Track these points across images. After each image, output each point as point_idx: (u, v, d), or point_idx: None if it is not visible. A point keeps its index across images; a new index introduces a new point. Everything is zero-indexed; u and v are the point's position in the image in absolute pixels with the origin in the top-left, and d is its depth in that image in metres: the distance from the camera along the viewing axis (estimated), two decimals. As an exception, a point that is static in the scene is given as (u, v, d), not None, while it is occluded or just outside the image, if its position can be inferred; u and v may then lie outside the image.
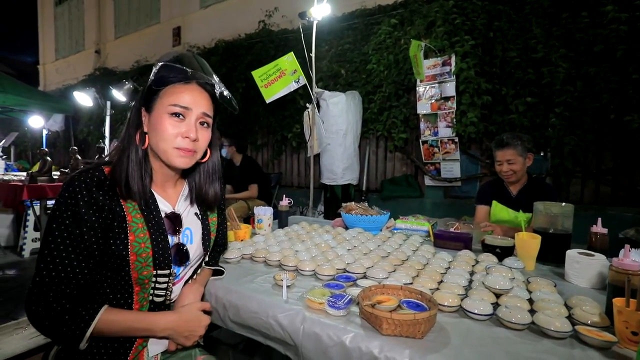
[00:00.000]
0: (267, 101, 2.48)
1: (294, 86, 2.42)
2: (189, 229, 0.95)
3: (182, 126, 0.82)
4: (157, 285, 0.84)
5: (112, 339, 0.79)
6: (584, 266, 1.14)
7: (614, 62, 2.69)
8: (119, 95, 2.76)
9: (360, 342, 0.76)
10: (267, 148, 4.95)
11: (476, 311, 0.86)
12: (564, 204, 1.36)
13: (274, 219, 2.00)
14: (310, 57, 2.53)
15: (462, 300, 0.91)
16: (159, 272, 0.83)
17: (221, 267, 1.13)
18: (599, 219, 1.31)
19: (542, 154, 3.16)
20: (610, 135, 2.95)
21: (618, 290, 0.86)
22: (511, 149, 1.84)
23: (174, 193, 0.94)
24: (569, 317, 0.83)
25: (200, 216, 1.00)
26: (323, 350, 0.80)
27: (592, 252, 1.18)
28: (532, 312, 0.85)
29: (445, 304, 0.90)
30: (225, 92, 0.91)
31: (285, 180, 4.86)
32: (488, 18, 3.16)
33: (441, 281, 1.06)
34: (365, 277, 1.14)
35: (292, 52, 2.40)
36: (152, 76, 0.83)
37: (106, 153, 2.30)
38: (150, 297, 0.85)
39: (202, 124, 0.86)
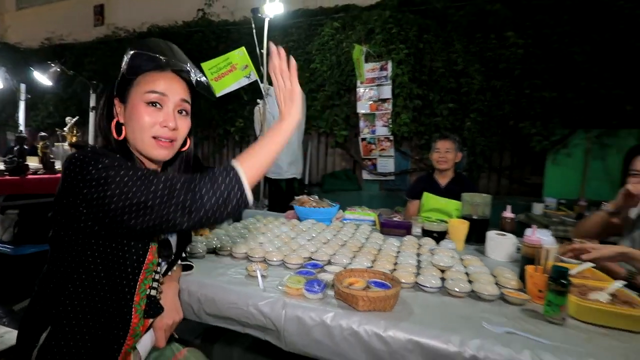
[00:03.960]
0: (217, 95, 2.39)
1: (245, 81, 2.38)
2: None
3: (159, 115, 0.79)
4: (155, 276, 0.82)
5: (102, 337, 0.75)
6: (499, 244, 1.39)
7: (513, 78, 3.21)
8: (42, 78, 2.35)
9: (341, 319, 0.85)
10: (208, 142, 4.73)
11: (428, 285, 1.01)
12: (484, 195, 1.63)
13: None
14: (261, 54, 2.52)
15: (416, 277, 1.06)
16: (160, 260, 0.82)
17: (190, 262, 1.11)
18: (509, 207, 1.60)
19: (464, 150, 3.64)
20: (509, 138, 3.53)
21: (528, 260, 1.09)
22: (451, 141, 2.19)
23: None
24: (496, 284, 1.03)
25: None
26: (306, 331, 0.87)
27: (504, 233, 1.45)
28: (469, 282, 1.03)
29: (403, 281, 1.03)
30: (203, 79, 0.89)
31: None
32: (419, 30, 3.48)
33: (396, 262, 1.20)
34: (330, 263, 1.22)
35: (243, 47, 2.35)
36: (124, 65, 0.79)
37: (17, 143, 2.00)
38: (148, 291, 0.81)
39: (180, 112, 0.83)
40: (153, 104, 0.79)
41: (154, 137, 0.79)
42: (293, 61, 0.84)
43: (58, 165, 2.12)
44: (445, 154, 2.17)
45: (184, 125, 0.84)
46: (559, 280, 0.84)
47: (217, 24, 4.53)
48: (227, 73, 2.35)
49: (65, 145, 2.16)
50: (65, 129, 2.10)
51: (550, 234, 1.25)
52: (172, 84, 0.81)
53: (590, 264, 1.06)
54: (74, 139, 2.00)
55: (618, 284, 0.93)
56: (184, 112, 0.84)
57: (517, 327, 0.81)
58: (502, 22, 3.22)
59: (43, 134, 2.14)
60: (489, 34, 3.28)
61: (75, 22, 5.80)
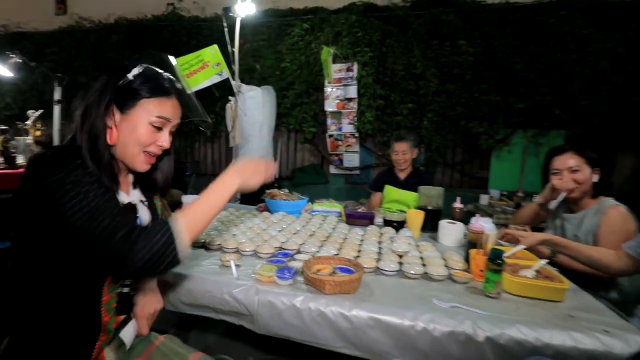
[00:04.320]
0: (188, 92, 2.31)
1: (217, 79, 2.31)
2: (140, 217, 0.91)
3: (158, 135, 0.82)
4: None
5: (73, 338, 0.72)
6: (450, 231, 1.49)
7: (465, 83, 3.40)
8: (1, 69, 2.11)
9: (309, 302, 0.89)
10: (179, 137, 4.55)
11: (388, 269, 1.07)
12: (438, 187, 1.74)
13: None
14: (233, 52, 2.46)
15: (377, 262, 1.12)
16: None
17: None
18: (458, 198, 1.71)
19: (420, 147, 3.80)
20: (460, 136, 3.74)
21: (472, 244, 1.19)
22: (406, 142, 2.26)
23: (124, 182, 0.89)
24: (445, 266, 1.12)
25: (147, 203, 0.96)
26: (278, 314, 0.90)
27: (454, 221, 1.56)
28: (423, 265, 1.11)
29: (366, 266, 1.09)
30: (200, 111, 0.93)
31: (199, 168, 4.58)
32: (382, 35, 3.56)
33: (359, 250, 1.26)
34: (299, 252, 1.25)
35: (215, 45, 2.28)
36: (131, 77, 0.78)
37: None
38: (119, 289, 0.79)
39: (171, 132, 0.86)
40: (158, 127, 0.81)
41: (145, 152, 0.81)
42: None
43: (20, 159, 1.95)
44: (402, 156, 2.27)
45: (170, 142, 0.87)
46: (496, 261, 0.94)
47: (187, 19, 4.32)
48: (199, 70, 2.28)
49: (28, 139, 1.98)
50: (28, 122, 1.92)
51: (492, 221, 1.36)
52: (175, 110, 0.83)
53: (522, 246, 1.18)
54: (38, 133, 1.84)
55: (542, 262, 1.05)
56: (172, 132, 0.87)
57: (461, 302, 0.89)
58: (455, 31, 3.39)
59: (3, 127, 1.94)
60: (444, 42, 3.43)
61: (34, 9, 5.25)
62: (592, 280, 1.28)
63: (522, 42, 3.26)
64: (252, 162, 0.89)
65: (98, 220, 0.66)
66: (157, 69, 0.81)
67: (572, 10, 3.14)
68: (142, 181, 0.93)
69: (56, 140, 2.05)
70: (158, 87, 0.80)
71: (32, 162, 0.69)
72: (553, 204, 1.43)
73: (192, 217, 0.75)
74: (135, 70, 0.78)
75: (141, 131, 0.79)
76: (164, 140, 0.82)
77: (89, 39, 4.45)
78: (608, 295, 1.29)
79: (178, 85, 0.84)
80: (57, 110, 1.95)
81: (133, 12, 4.56)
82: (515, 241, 1.24)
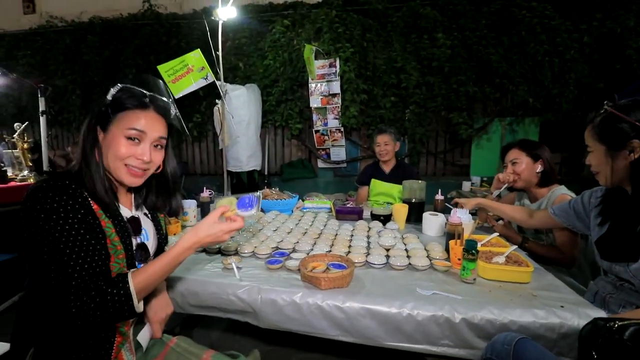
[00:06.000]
0: (176, 97, 2.33)
1: (202, 82, 2.33)
2: (144, 229, 0.98)
3: (137, 149, 0.83)
4: None
5: (92, 343, 0.80)
6: (432, 222, 1.61)
7: (444, 75, 3.51)
8: None
9: (307, 297, 0.98)
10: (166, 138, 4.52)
11: (376, 263, 1.18)
12: (420, 181, 1.85)
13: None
14: (217, 56, 2.48)
15: (366, 256, 1.23)
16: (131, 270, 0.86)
17: (170, 261, 1.17)
18: (440, 190, 1.84)
19: (402, 139, 3.92)
20: (442, 126, 3.88)
21: (451, 235, 1.31)
22: (387, 135, 2.37)
23: (127, 199, 0.95)
24: (428, 256, 1.24)
25: (150, 215, 1.02)
26: (279, 310, 0.99)
27: (436, 213, 1.68)
28: (408, 257, 1.22)
29: (356, 261, 1.19)
30: (178, 114, 0.93)
31: (188, 169, 4.58)
32: (362, 30, 3.61)
33: (350, 246, 1.37)
34: (295, 250, 1.34)
35: (198, 49, 2.29)
36: (109, 97, 0.82)
37: None
38: None
39: (156, 146, 0.87)
40: (132, 138, 0.83)
41: (126, 165, 0.84)
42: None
43: (10, 172, 1.93)
44: (385, 147, 2.38)
45: (158, 157, 0.89)
46: (470, 251, 1.05)
47: (165, 17, 4.24)
48: (184, 75, 2.29)
49: (16, 151, 1.96)
50: (15, 135, 1.91)
51: (467, 212, 1.49)
52: (152, 123, 0.84)
53: (496, 234, 1.32)
54: (26, 146, 1.83)
55: (512, 248, 1.19)
56: (159, 146, 0.88)
57: (441, 289, 1.01)
58: (433, 24, 3.48)
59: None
60: (423, 35, 3.52)
61: (3, 9, 5.02)
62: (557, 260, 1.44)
63: (496, 34, 3.38)
64: (208, 225, 0.87)
65: (67, 270, 0.72)
66: (133, 86, 0.83)
67: (542, 2, 3.27)
68: (144, 202, 0.98)
69: (45, 151, 2.05)
70: (131, 101, 0.82)
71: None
72: (495, 193, 1.64)
73: (145, 279, 0.80)
74: (112, 91, 0.82)
75: (118, 145, 0.81)
76: (143, 153, 0.83)
77: (64, 40, 4.31)
78: (570, 270, 1.45)
79: (159, 100, 0.85)
80: (43, 121, 1.95)
81: (106, 10, 4.44)
82: (460, 205, 1.53)
